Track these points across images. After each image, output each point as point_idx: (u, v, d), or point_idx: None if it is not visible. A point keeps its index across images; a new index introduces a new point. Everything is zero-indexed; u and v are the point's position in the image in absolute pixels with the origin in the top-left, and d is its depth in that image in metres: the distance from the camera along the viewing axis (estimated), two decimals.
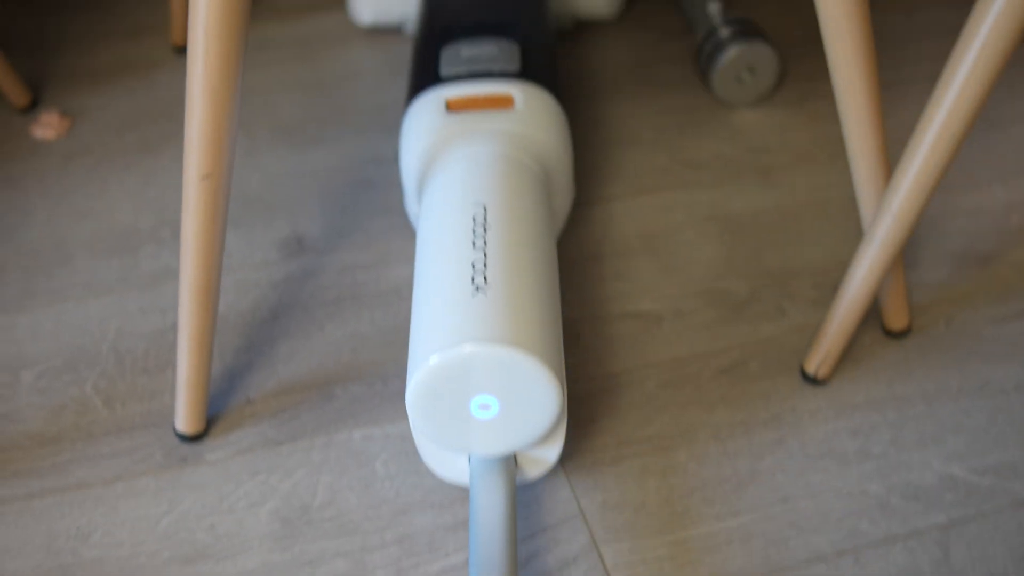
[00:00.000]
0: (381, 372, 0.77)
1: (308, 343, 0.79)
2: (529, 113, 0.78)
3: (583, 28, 1.10)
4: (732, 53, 0.95)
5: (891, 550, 0.66)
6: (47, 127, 0.97)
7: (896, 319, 0.78)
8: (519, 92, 0.79)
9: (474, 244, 0.66)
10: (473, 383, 0.61)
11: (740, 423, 0.73)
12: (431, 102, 0.79)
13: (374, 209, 0.89)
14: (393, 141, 0.95)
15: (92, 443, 0.73)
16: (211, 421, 0.74)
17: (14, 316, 0.81)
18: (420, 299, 0.66)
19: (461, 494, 0.69)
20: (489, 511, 0.62)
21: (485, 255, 0.65)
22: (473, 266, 0.64)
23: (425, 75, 0.83)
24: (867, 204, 0.73)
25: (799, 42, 1.07)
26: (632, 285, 0.83)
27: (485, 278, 0.63)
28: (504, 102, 0.79)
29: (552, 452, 0.67)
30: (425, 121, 0.78)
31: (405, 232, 0.87)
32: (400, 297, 0.82)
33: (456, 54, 0.84)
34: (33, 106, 1.00)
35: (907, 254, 0.85)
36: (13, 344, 0.79)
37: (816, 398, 0.75)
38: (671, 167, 0.93)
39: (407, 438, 0.72)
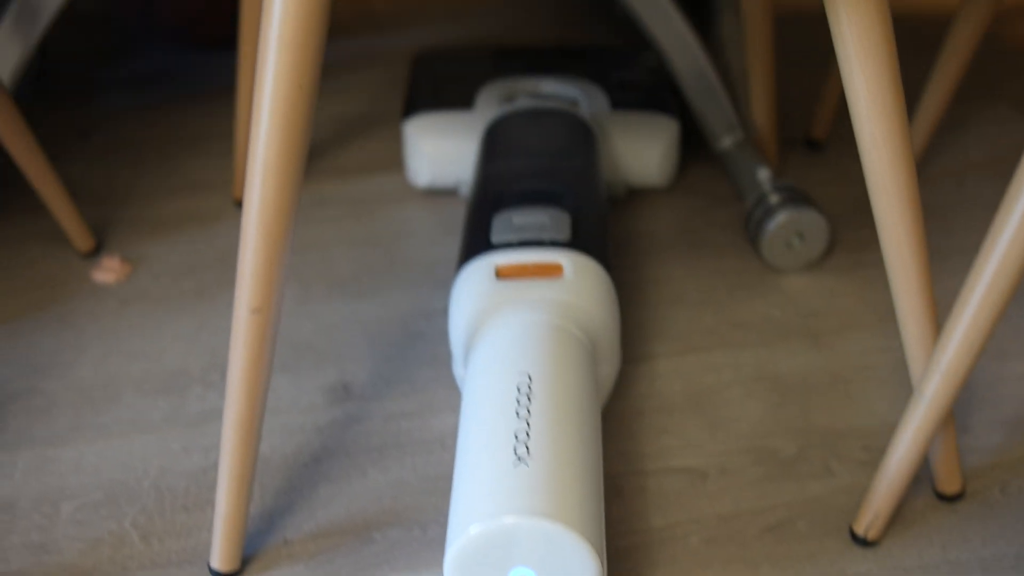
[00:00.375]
0: (421, 519, 0.76)
1: (349, 487, 0.78)
2: (577, 282, 0.79)
3: (634, 194, 1.12)
4: (782, 218, 0.97)
5: None
6: (108, 271, 0.99)
7: (948, 482, 0.77)
8: (568, 261, 0.80)
9: (517, 414, 0.66)
10: (512, 554, 0.61)
11: None
12: (481, 268, 0.81)
13: (421, 360, 0.90)
14: (444, 296, 0.96)
15: None
16: (247, 560, 0.73)
17: (59, 449, 0.82)
18: (462, 465, 0.66)
19: None
20: None
21: (528, 425, 0.65)
22: (516, 436, 0.64)
23: (476, 241, 0.85)
24: (916, 363, 0.72)
25: (848, 212, 1.08)
26: (677, 441, 0.82)
27: (527, 448, 0.63)
28: (553, 271, 0.80)
29: None
30: (474, 287, 0.79)
31: (450, 383, 0.87)
32: (443, 447, 0.82)
33: (508, 221, 0.86)
34: (96, 252, 1.03)
35: (959, 420, 0.83)
36: (56, 476, 0.79)
37: (866, 561, 0.72)
38: (718, 327, 0.93)
39: None
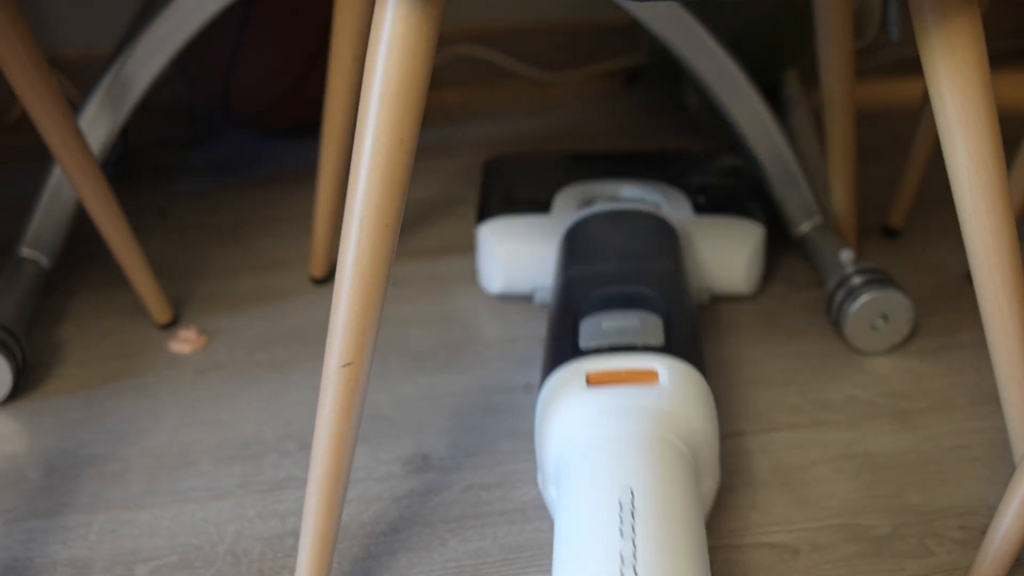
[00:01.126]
0: None
1: (429, 556, 0.76)
2: (675, 389, 0.74)
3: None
4: (866, 298, 0.95)
5: None
6: (184, 342, 0.99)
7: None
8: (664, 367, 0.76)
9: (621, 532, 0.62)
10: None
11: None
12: (570, 375, 0.76)
13: (501, 433, 0.88)
14: (522, 372, 0.95)
15: None
16: None
17: (135, 513, 0.80)
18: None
19: None
20: None
21: (634, 545, 0.61)
22: (621, 558, 0.60)
23: (562, 347, 0.81)
24: (1019, 438, 0.70)
25: (929, 297, 1.06)
26: (766, 516, 0.79)
27: (635, 572, 0.59)
28: (648, 377, 0.75)
29: None
30: (564, 395, 0.74)
31: (530, 456, 0.85)
32: (525, 517, 0.79)
33: (596, 326, 0.82)
34: (173, 324, 1.03)
35: None
36: (130, 539, 0.78)
37: None
38: (803, 406, 0.91)
39: None
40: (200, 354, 1.00)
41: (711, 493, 0.76)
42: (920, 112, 1.10)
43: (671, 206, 1.07)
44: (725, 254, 1.04)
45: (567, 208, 1.07)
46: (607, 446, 0.69)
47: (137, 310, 1.06)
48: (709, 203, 1.07)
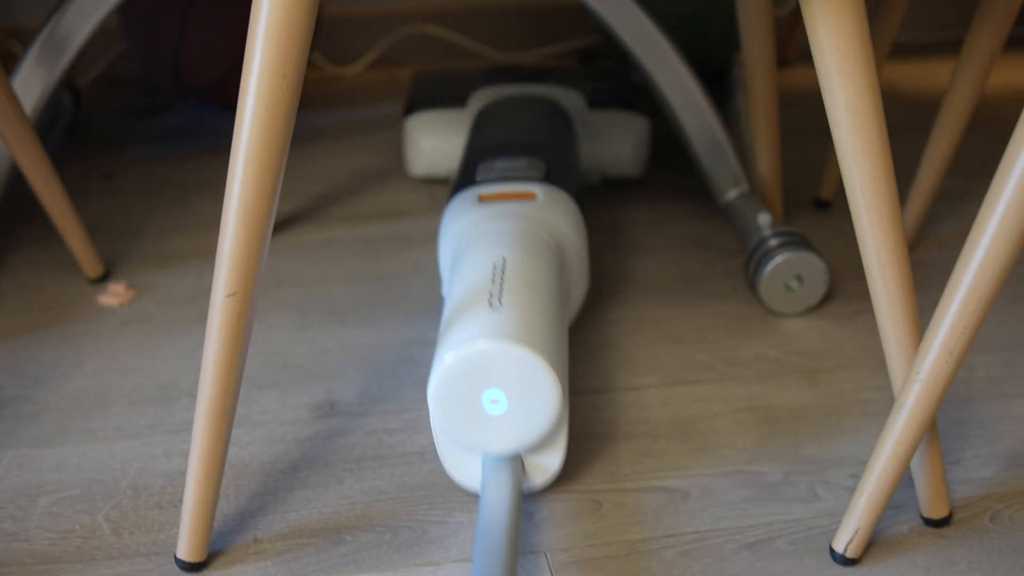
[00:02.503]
0: (393, 524, 0.75)
1: (324, 493, 0.78)
2: (549, 204, 0.90)
3: (638, 244, 1.12)
4: (780, 259, 0.96)
5: None
6: (113, 296, 1.01)
7: (935, 507, 0.74)
8: (541, 191, 0.92)
9: (492, 280, 0.78)
10: (484, 378, 0.71)
11: None
12: (466, 197, 0.93)
13: (411, 382, 0.90)
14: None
15: (92, 566, 0.71)
16: (214, 555, 0.72)
17: (43, 450, 0.82)
18: (444, 321, 0.77)
19: None
20: (496, 506, 0.68)
21: (501, 289, 0.77)
22: (490, 294, 0.76)
23: (462, 182, 0.97)
24: (898, 376, 0.71)
25: (850, 266, 1.08)
26: (660, 463, 0.81)
27: (500, 301, 0.75)
28: (528, 196, 0.92)
29: (555, 459, 0.75)
30: (460, 210, 0.91)
31: None
32: (423, 459, 0.81)
33: (490, 166, 0.99)
34: (104, 279, 1.05)
35: (953, 453, 0.81)
36: (36, 474, 0.79)
37: None
38: (712, 363, 0.92)
39: None
40: (128, 307, 1.01)
41: (578, 296, 0.93)
42: None
43: (569, 101, 1.23)
44: (616, 139, 1.23)
45: (480, 103, 1.24)
46: (491, 234, 0.86)
47: (72, 267, 1.07)
48: (602, 100, 1.25)
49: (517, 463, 0.74)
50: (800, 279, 0.98)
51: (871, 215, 0.68)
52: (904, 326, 0.70)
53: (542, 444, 0.75)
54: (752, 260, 1.00)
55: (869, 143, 0.67)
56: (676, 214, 1.19)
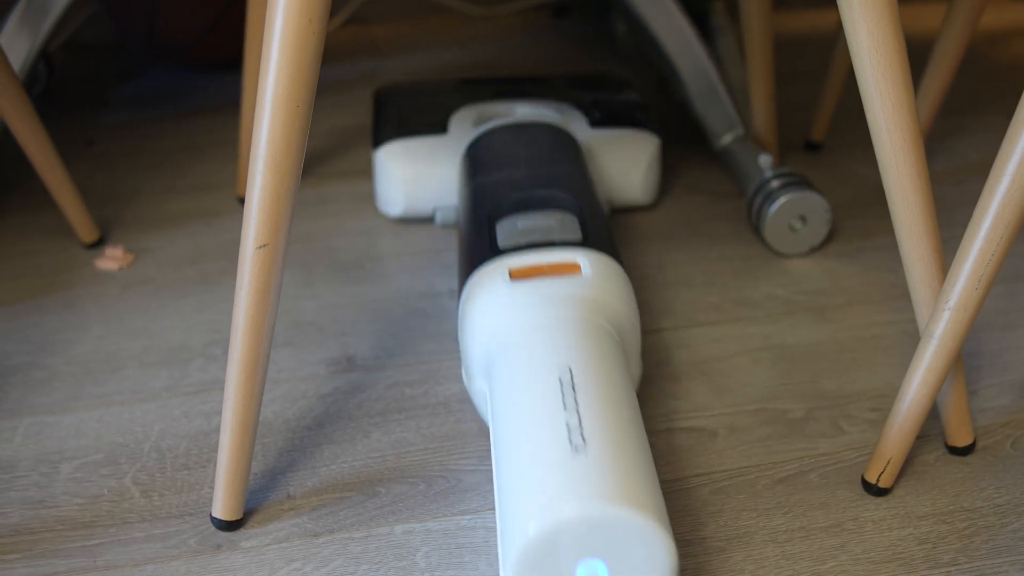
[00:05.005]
0: (426, 475, 0.75)
1: (352, 448, 0.77)
2: (597, 279, 0.74)
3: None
4: (784, 200, 0.97)
5: None
6: (111, 260, 0.99)
7: (959, 436, 0.76)
8: (584, 259, 0.76)
9: (564, 405, 0.61)
10: (579, 549, 0.55)
11: (799, 528, 0.70)
12: (492, 272, 0.75)
13: (425, 334, 0.89)
14: (448, 278, 0.96)
15: (125, 529, 0.70)
16: (249, 514, 0.72)
17: (59, 416, 0.81)
18: (508, 466, 0.60)
19: None
20: None
21: (579, 416, 0.60)
22: (567, 427, 0.60)
23: (481, 250, 0.80)
24: (923, 307, 0.72)
25: (848, 205, 1.08)
26: (685, 404, 0.81)
27: (583, 438, 0.59)
28: (570, 269, 0.75)
29: None
30: (488, 290, 0.74)
31: (454, 355, 0.86)
32: (448, 409, 0.81)
33: (512, 227, 0.81)
34: (99, 243, 1.03)
35: (970, 383, 0.83)
36: (56, 440, 0.78)
37: (879, 508, 0.71)
38: (723, 305, 0.93)
39: (450, 533, 0.69)
40: (127, 271, 0.99)
41: (635, 381, 0.77)
42: (836, 36, 1.13)
43: (570, 123, 1.07)
44: (624, 164, 1.06)
45: (464, 128, 1.06)
46: (540, 331, 0.69)
47: (64, 232, 1.05)
48: (603, 118, 1.08)
49: None
50: (803, 219, 0.98)
51: (895, 145, 0.69)
52: (929, 254, 0.70)
53: None
54: (754, 202, 1.00)
55: (892, 71, 0.67)
56: (670, 162, 1.19)
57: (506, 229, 0.81)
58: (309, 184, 1.15)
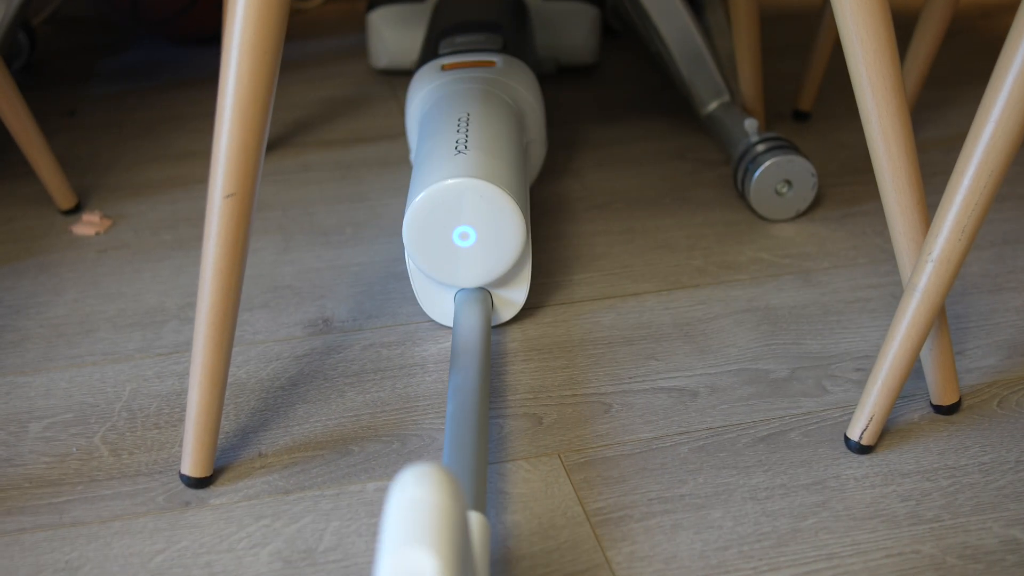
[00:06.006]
0: (400, 433, 0.73)
1: (327, 407, 0.76)
2: (507, 70, 0.95)
3: (620, 158, 1.11)
4: (769, 164, 0.95)
5: None
6: (88, 225, 0.98)
7: (945, 394, 0.74)
8: (500, 59, 0.97)
9: (458, 130, 0.82)
10: (453, 214, 0.76)
11: (780, 486, 0.68)
12: (430, 68, 0.97)
13: (403, 298, 0.88)
14: None
15: (93, 487, 0.69)
16: (219, 472, 0.70)
17: (30, 376, 0.79)
18: (414, 170, 0.82)
19: None
20: (468, 333, 0.75)
21: (467, 137, 0.81)
22: (456, 142, 0.80)
23: (425, 57, 1.03)
24: (906, 259, 0.70)
25: (835, 172, 1.07)
26: (666, 364, 0.80)
27: (466, 147, 0.80)
28: (487, 64, 0.96)
29: (520, 294, 0.82)
30: (424, 78, 0.96)
31: (431, 319, 0.85)
32: (425, 370, 0.79)
33: (451, 41, 1.03)
34: (77, 210, 1.02)
35: (957, 344, 0.81)
36: (25, 400, 0.77)
37: (861, 466, 0.70)
38: (707, 268, 0.91)
39: None
40: (104, 236, 0.98)
41: (540, 158, 0.98)
42: (823, 7, 1.12)
43: None
44: (569, 28, 1.29)
45: None
46: (453, 94, 0.90)
47: (42, 200, 1.04)
48: None
49: (486, 297, 0.80)
50: (789, 183, 0.97)
51: (876, 93, 0.67)
52: (912, 206, 0.69)
53: (509, 278, 0.81)
54: (740, 167, 0.98)
55: (872, 17, 0.66)
56: (656, 129, 1.18)
57: (446, 42, 1.04)
58: (292, 153, 1.14)
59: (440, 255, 0.78)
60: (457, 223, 0.77)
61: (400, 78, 1.33)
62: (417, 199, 0.76)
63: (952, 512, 0.66)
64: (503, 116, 0.88)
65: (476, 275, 0.80)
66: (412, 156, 0.96)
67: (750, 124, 1.00)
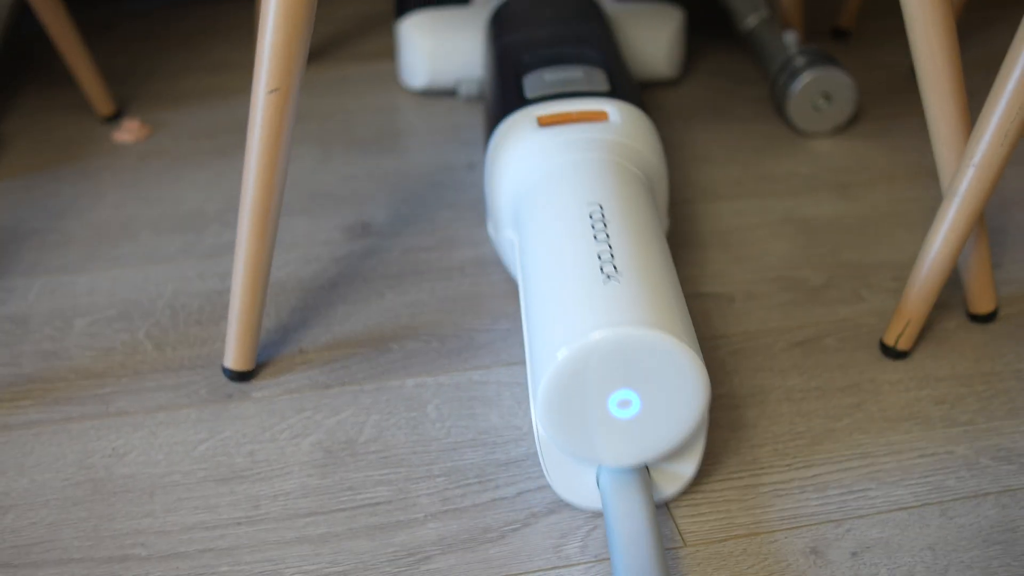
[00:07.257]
0: (439, 333, 0.74)
1: (366, 308, 0.77)
2: (625, 125, 0.73)
3: (656, 80, 1.10)
4: (808, 77, 0.95)
5: (982, 504, 0.60)
6: (127, 132, 0.99)
7: (981, 302, 0.74)
8: (612, 108, 0.75)
9: (595, 237, 0.61)
10: (612, 376, 0.54)
11: (815, 388, 0.69)
12: (520, 120, 0.74)
13: (441, 204, 0.88)
14: (466, 153, 0.95)
15: (138, 379, 0.70)
16: (261, 367, 0.71)
17: (73, 276, 0.81)
18: (539, 298, 0.60)
19: (516, 435, 0.65)
20: (631, 523, 0.55)
21: (611, 248, 0.59)
22: (599, 258, 0.59)
23: (508, 100, 0.79)
24: (947, 166, 0.70)
25: (877, 91, 1.06)
26: (704, 271, 0.80)
27: (616, 268, 0.58)
28: (597, 116, 0.74)
29: (690, 466, 0.60)
30: (516, 136, 0.73)
31: (471, 223, 0.86)
32: (463, 274, 0.80)
33: (539, 79, 0.80)
34: (116, 117, 1.02)
35: (995, 257, 0.81)
36: (69, 298, 0.78)
37: (897, 371, 0.70)
38: (745, 180, 0.91)
39: (462, 387, 0.69)
40: (144, 143, 0.99)
41: (663, 226, 0.77)
42: None
43: None
44: (649, 37, 1.04)
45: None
46: (569, 173, 0.68)
47: (81, 107, 1.05)
48: None
49: (644, 472, 0.59)
50: (828, 97, 0.96)
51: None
52: (954, 113, 0.69)
53: (678, 449, 0.59)
54: (779, 80, 0.98)
55: None
56: (694, 46, 1.17)
57: (533, 81, 0.79)
58: (330, 65, 1.14)
59: (589, 429, 0.56)
60: (615, 388, 0.55)
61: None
62: (559, 361, 0.54)
63: (987, 416, 0.66)
64: (642, 205, 0.66)
65: (639, 451, 0.57)
66: (506, 260, 0.76)
67: (789, 37, 0.99)
